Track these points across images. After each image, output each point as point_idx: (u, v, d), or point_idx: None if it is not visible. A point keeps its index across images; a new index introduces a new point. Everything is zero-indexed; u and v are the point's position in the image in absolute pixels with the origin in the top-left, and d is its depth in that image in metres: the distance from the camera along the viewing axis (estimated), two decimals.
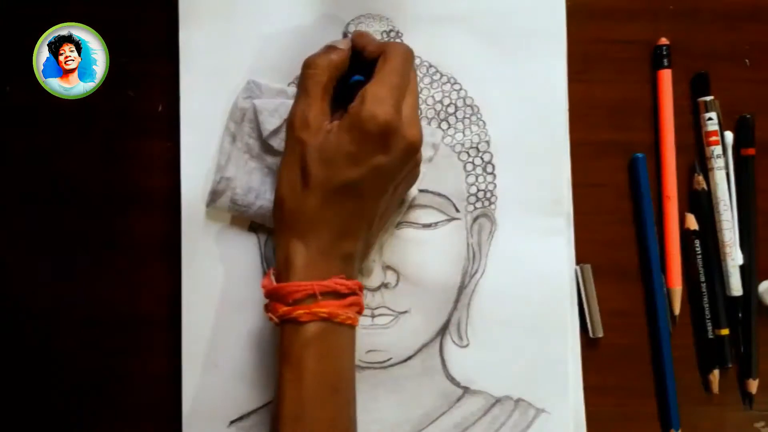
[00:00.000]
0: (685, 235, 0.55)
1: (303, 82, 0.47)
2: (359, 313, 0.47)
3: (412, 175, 0.49)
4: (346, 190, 0.45)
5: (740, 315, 0.55)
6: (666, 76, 0.55)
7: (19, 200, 0.55)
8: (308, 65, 0.47)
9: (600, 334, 0.54)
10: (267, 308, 0.46)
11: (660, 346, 0.54)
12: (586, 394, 0.54)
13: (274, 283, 0.46)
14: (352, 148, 0.44)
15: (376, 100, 0.44)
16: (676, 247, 0.55)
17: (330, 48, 0.48)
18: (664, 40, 0.55)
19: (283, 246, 0.46)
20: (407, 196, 0.52)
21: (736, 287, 0.54)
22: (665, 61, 0.55)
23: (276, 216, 0.47)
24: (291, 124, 0.46)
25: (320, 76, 0.47)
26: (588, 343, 0.54)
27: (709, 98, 0.55)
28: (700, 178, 0.55)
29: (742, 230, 0.55)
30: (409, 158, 0.46)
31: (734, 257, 0.54)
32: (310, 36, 0.54)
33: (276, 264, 0.47)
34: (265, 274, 0.47)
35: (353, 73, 0.49)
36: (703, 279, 0.55)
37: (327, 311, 0.44)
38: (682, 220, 0.55)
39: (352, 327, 0.46)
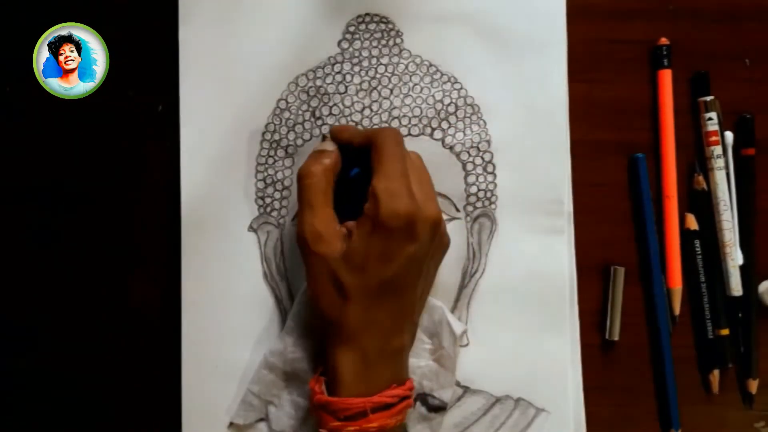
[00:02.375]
0: (685, 235, 0.55)
1: (303, 193, 0.47)
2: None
3: (440, 248, 0.49)
4: (384, 289, 0.45)
5: (740, 315, 0.55)
6: (666, 76, 0.55)
7: (18, 200, 0.55)
8: (304, 175, 0.47)
9: (616, 338, 0.54)
10: (315, 414, 0.47)
11: (660, 346, 0.54)
12: (586, 393, 0.54)
13: (325, 393, 0.46)
14: (381, 248, 0.45)
15: (389, 194, 0.44)
16: (676, 247, 0.55)
17: (319, 153, 0.48)
18: (664, 40, 0.55)
19: (332, 356, 0.46)
20: (456, 334, 0.53)
21: (736, 287, 0.54)
22: (665, 61, 0.55)
23: (322, 328, 0.48)
24: (304, 240, 0.46)
25: (318, 183, 0.47)
26: (589, 343, 0.54)
27: (709, 98, 0.55)
28: (701, 178, 0.55)
29: (742, 230, 0.55)
30: (435, 235, 0.47)
31: (734, 257, 0.54)
32: (310, 36, 0.54)
33: (326, 372, 0.47)
34: (314, 375, 0.48)
35: (349, 166, 0.49)
36: (703, 279, 0.55)
37: (377, 425, 0.45)
38: (682, 220, 0.55)
39: (403, 424, 0.47)
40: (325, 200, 0.47)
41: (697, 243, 0.55)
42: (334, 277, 0.46)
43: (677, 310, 0.55)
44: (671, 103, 0.55)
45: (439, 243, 0.48)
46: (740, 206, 0.55)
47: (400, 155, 0.46)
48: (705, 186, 0.55)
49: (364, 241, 0.45)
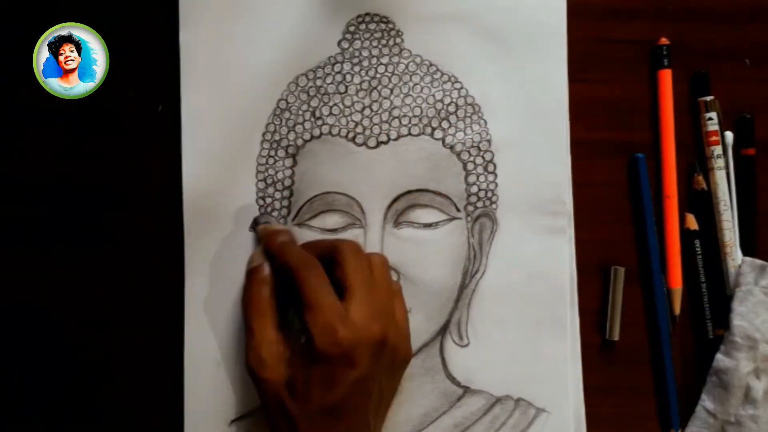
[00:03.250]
0: (685, 235, 0.55)
1: (244, 320, 0.48)
2: None
3: (395, 363, 0.48)
4: (331, 415, 0.45)
5: None
6: (666, 77, 0.55)
7: (18, 200, 0.55)
8: (244, 304, 0.48)
9: (616, 338, 0.54)
10: None
11: (660, 346, 0.54)
12: (586, 393, 0.54)
13: None
14: (322, 377, 0.44)
15: (320, 327, 0.44)
16: (676, 247, 0.55)
17: (252, 274, 0.48)
18: (664, 40, 0.55)
19: None
20: None
21: None
22: (665, 61, 0.55)
23: None
24: (248, 366, 0.47)
25: (257, 308, 0.47)
26: (589, 343, 0.54)
27: (709, 98, 0.55)
28: (700, 177, 0.55)
29: (742, 230, 0.55)
30: (381, 355, 0.46)
31: (734, 257, 0.54)
32: (310, 36, 0.54)
33: None
34: None
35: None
36: (703, 279, 0.55)
37: None
38: (682, 220, 0.55)
39: None
40: (266, 323, 0.47)
41: (697, 243, 0.55)
42: (280, 404, 0.45)
43: (677, 310, 0.55)
44: (671, 103, 0.55)
45: (390, 359, 0.47)
46: (740, 206, 0.55)
47: (324, 286, 0.46)
48: (705, 186, 0.55)
49: (303, 371, 0.45)
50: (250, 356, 0.46)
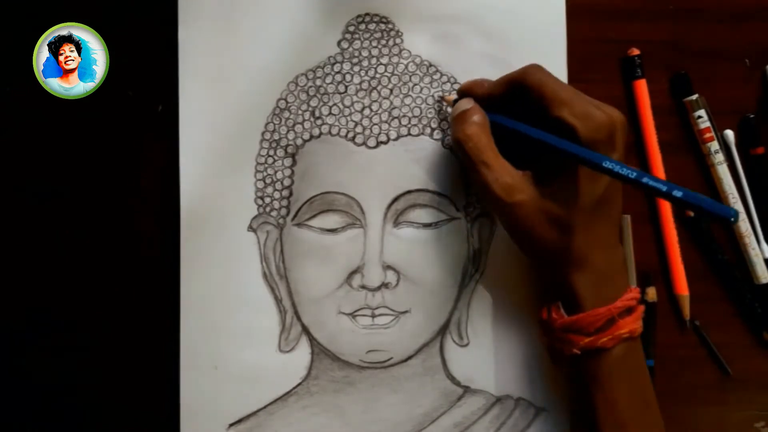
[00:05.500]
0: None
1: (472, 156, 0.48)
2: None
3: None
4: (599, 205, 0.46)
5: None
6: (642, 87, 0.55)
7: (17, 200, 0.55)
8: (464, 140, 0.48)
9: (634, 284, 0.54)
10: (556, 341, 0.48)
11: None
12: None
13: (566, 316, 0.47)
14: (586, 170, 0.45)
15: (580, 117, 0.45)
16: (677, 254, 0.54)
17: (464, 114, 0.49)
18: (634, 51, 0.55)
19: (565, 282, 0.47)
20: None
21: (763, 274, 0.54)
22: (638, 71, 0.55)
23: (546, 261, 0.48)
24: (496, 197, 0.47)
25: (481, 141, 0.48)
26: None
27: (693, 97, 0.54)
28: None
29: (764, 226, 0.55)
30: (623, 139, 0.47)
31: (754, 247, 0.54)
32: (310, 36, 0.54)
33: (560, 298, 0.48)
34: (543, 309, 0.49)
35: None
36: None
37: (628, 330, 0.46)
38: (680, 225, 0.55)
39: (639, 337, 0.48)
40: (496, 154, 0.48)
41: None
42: (548, 215, 0.46)
43: (687, 315, 0.55)
44: (650, 113, 0.55)
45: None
46: (758, 206, 0.55)
47: (558, 80, 0.47)
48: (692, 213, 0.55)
49: (563, 174, 0.46)
50: (495, 188, 0.47)
